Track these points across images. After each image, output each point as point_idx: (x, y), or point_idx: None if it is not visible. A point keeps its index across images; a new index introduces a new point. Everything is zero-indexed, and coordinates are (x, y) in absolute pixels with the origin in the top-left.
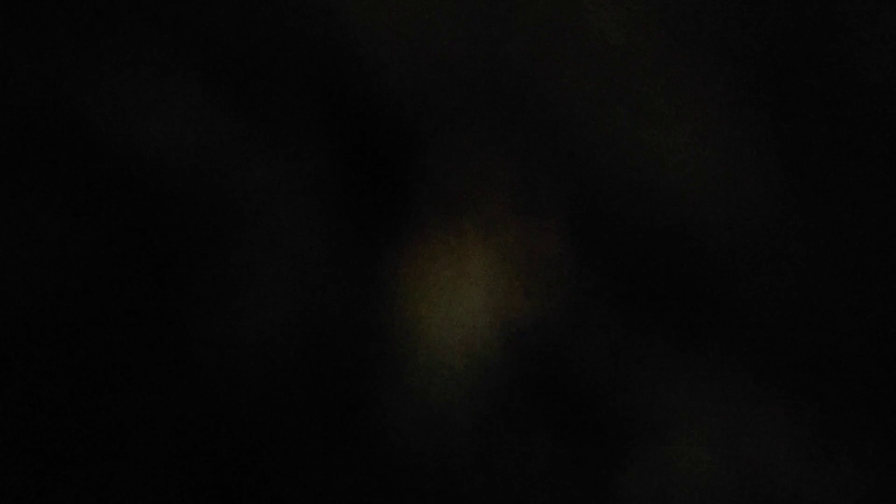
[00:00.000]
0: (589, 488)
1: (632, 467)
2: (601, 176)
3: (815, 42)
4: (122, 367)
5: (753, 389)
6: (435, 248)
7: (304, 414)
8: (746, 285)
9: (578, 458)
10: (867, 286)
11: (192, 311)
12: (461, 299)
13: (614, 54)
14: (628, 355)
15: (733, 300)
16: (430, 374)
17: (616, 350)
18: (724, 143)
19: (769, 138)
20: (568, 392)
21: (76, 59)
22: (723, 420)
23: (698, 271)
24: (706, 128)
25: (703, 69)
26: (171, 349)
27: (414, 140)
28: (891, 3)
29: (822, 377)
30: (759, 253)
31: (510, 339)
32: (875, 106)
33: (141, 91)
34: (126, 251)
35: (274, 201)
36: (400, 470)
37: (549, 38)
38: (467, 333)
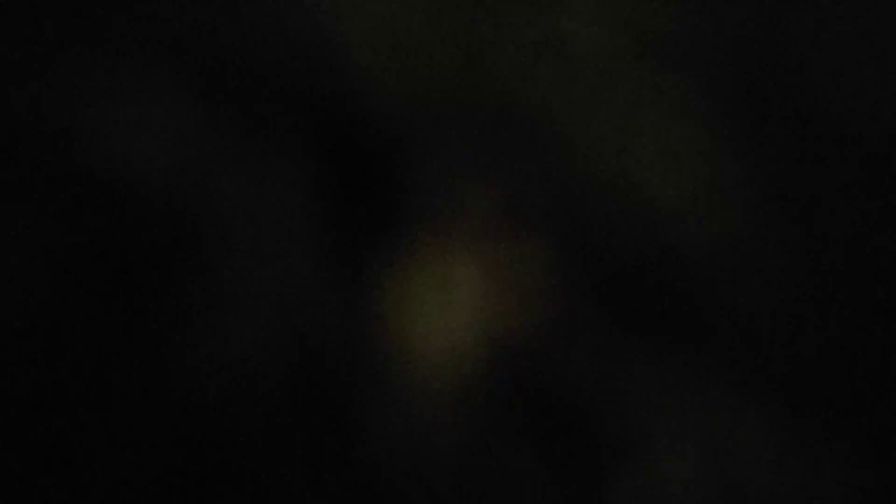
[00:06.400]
0: (575, 502)
1: (617, 481)
2: (586, 191)
3: (792, 56)
4: (108, 382)
5: (737, 403)
6: (422, 262)
7: (290, 429)
8: (730, 299)
9: (564, 472)
10: (847, 298)
11: (177, 327)
12: (448, 313)
13: (598, 71)
14: (614, 369)
15: (717, 314)
16: (417, 388)
17: (602, 364)
18: (705, 157)
19: (748, 151)
20: (554, 406)
21: (64, 71)
22: (707, 434)
23: (683, 285)
24: (687, 141)
25: (683, 85)
26: (157, 366)
27: (401, 156)
28: (867, 13)
29: (803, 390)
30: (741, 266)
31: (496, 353)
32: (856, 120)
33: (126, 104)
34: (111, 265)
35: (260, 216)
36: (387, 485)
37: (535, 56)
38: (454, 347)
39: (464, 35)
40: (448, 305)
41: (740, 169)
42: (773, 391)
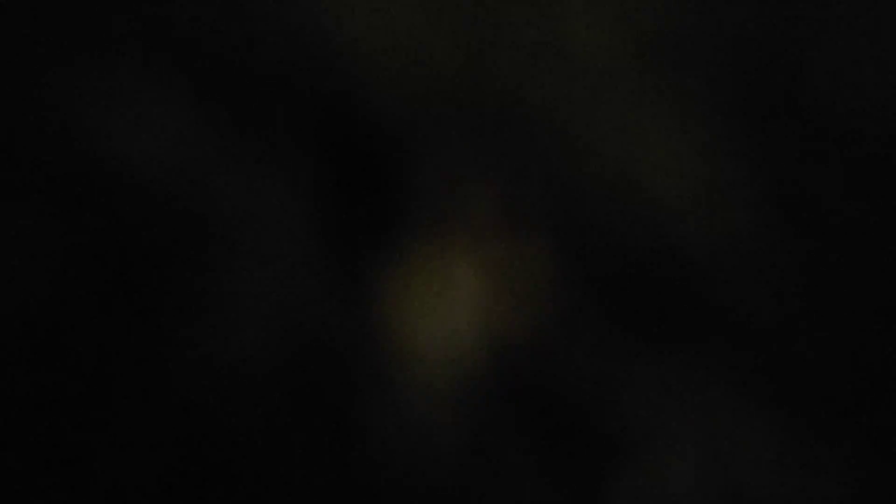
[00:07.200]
0: (575, 502)
1: (617, 481)
2: (587, 190)
3: (792, 56)
4: (108, 381)
5: (737, 403)
6: (422, 263)
7: (290, 429)
8: (730, 299)
9: (564, 472)
10: (847, 297)
11: (177, 327)
12: (448, 314)
13: (598, 71)
14: (614, 369)
15: (717, 314)
16: (417, 388)
17: (602, 364)
18: (705, 157)
19: (748, 151)
20: (554, 406)
21: (64, 71)
22: (707, 434)
23: (683, 285)
24: (687, 141)
25: (684, 85)
26: (157, 365)
27: (401, 156)
28: (867, 13)
29: (803, 390)
30: (741, 266)
31: (497, 353)
32: (856, 120)
33: (127, 102)
34: (112, 265)
35: (260, 215)
36: (387, 485)
37: (536, 57)
38: (454, 348)
39: (464, 35)
40: (448, 305)
41: (740, 169)
42: (773, 391)
